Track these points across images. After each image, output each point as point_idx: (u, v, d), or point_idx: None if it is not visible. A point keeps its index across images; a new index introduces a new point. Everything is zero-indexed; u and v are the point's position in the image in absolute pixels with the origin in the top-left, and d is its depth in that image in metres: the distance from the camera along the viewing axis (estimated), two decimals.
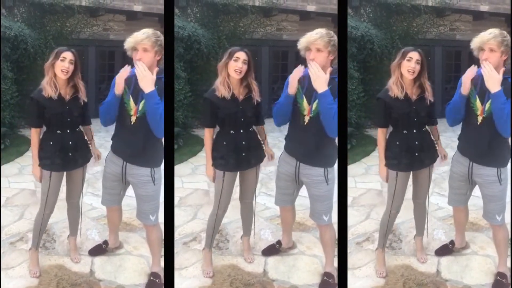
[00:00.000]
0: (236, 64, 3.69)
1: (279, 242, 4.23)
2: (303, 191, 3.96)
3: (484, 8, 6.65)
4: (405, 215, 4.14)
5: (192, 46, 5.76)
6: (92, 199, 4.66)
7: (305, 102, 3.69)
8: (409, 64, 3.71)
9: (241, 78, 3.71)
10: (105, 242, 4.17)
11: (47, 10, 5.70)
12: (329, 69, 3.63)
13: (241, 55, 3.72)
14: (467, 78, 3.63)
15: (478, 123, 3.65)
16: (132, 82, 3.62)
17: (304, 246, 4.27)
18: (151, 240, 3.84)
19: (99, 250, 4.14)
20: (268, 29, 6.25)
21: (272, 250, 4.20)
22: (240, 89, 3.74)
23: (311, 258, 4.15)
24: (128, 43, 3.61)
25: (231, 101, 3.71)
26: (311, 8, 6.17)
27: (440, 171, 5.39)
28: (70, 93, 3.72)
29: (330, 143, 3.77)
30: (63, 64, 3.66)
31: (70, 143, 3.78)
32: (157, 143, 3.75)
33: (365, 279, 3.94)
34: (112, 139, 3.81)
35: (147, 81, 3.55)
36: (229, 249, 4.22)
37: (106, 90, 3.72)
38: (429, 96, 3.78)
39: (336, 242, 3.94)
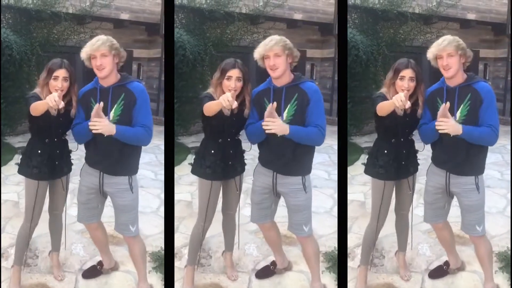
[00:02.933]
0: (229, 84, 3.70)
1: (273, 263, 4.10)
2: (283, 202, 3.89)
3: (471, 16, 6.67)
4: (388, 229, 4.06)
5: (177, 52, 5.76)
6: (76, 211, 4.63)
7: None
8: (402, 83, 3.74)
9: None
10: (100, 263, 4.04)
11: (33, 16, 5.68)
12: (287, 72, 3.70)
13: (234, 73, 3.71)
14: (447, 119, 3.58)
15: (451, 135, 3.64)
16: (97, 97, 3.62)
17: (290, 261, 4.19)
18: (134, 253, 3.76)
19: (94, 272, 4.02)
20: (255, 36, 6.26)
21: (267, 272, 4.08)
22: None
23: (298, 274, 4.07)
24: (85, 53, 3.61)
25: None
26: (298, 16, 6.18)
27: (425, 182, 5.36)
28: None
29: (307, 151, 3.74)
30: (56, 84, 3.68)
31: (58, 151, 3.78)
32: (134, 150, 3.71)
33: None
34: (86, 152, 3.77)
35: (106, 128, 3.52)
36: (212, 266, 4.12)
37: None
38: (420, 110, 3.80)
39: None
